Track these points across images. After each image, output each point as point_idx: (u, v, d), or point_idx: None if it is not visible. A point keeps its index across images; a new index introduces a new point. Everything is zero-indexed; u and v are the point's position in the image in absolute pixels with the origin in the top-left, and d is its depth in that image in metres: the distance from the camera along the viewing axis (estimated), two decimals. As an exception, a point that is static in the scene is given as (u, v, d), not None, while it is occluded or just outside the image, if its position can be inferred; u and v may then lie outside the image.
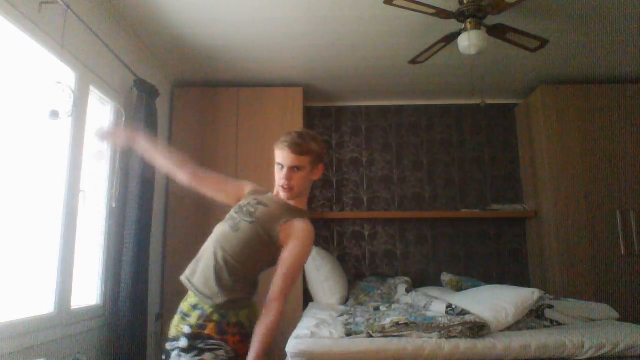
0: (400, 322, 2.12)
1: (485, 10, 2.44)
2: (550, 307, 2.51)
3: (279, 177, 1.62)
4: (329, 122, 4.23)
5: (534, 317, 2.42)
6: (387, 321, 2.15)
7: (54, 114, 1.95)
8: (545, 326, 2.36)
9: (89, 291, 2.53)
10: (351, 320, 2.46)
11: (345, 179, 4.12)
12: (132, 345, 2.57)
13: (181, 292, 3.54)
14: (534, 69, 3.59)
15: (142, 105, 2.83)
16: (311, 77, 3.72)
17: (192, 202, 3.55)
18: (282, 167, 1.60)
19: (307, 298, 3.47)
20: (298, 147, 1.57)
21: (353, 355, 2.02)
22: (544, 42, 2.67)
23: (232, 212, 1.68)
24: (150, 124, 2.87)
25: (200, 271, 1.57)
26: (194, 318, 1.50)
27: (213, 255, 1.55)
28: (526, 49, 2.74)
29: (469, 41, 2.46)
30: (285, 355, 2.06)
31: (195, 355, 1.43)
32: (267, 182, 3.95)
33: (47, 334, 2.00)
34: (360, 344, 2.06)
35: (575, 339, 2.07)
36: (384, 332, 2.11)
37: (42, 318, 2.01)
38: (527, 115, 3.96)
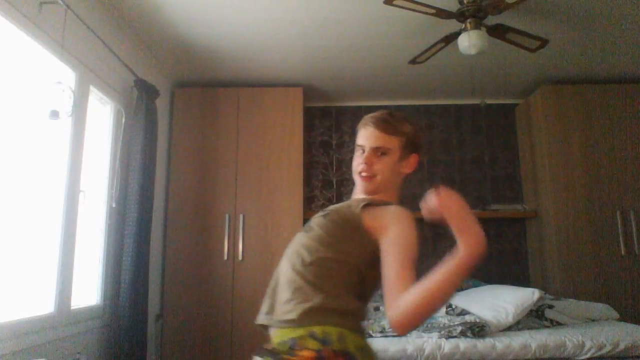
0: (400, 322, 2.12)
1: (485, 10, 2.44)
2: (551, 307, 2.51)
3: (358, 162, 1.30)
4: (329, 122, 4.23)
5: (534, 317, 2.42)
6: (386, 321, 2.15)
7: (54, 114, 1.95)
8: (545, 326, 2.37)
9: (89, 291, 2.53)
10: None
11: (345, 179, 4.12)
12: (132, 345, 2.57)
13: (181, 292, 3.54)
14: (534, 69, 3.59)
15: (142, 105, 2.83)
16: (311, 77, 3.72)
17: (192, 202, 3.56)
18: (364, 149, 1.30)
19: (307, 298, 3.46)
20: (386, 123, 1.29)
21: (353, 355, 2.01)
22: (544, 42, 2.67)
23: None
24: (150, 124, 2.87)
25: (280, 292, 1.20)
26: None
27: (288, 267, 1.20)
28: (526, 49, 2.74)
29: (469, 41, 2.46)
30: None
31: None
32: (266, 181, 3.92)
33: (47, 334, 2.00)
34: (360, 344, 2.06)
35: (575, 339, 2.07)
36: (383, 332, 2.11)
37: (42, 318, 2.01)
38: (527, 115, 3.96)
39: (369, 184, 1.28)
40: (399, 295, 1.00)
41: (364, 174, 1.28)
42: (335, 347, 1.04)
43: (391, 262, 1.08)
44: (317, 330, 1.06)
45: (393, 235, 1.12)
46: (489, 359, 2.02)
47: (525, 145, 3.99)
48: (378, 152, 1.28)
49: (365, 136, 1.30)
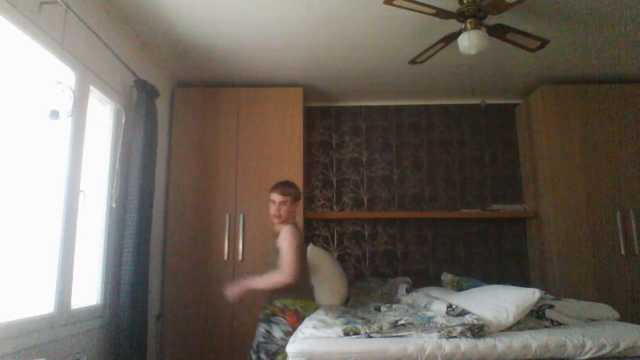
0: (397, 323, 2.12)
1: (485, 10, 2.44)
2: (551, 307, 2.50)
3: (272, 209, 2.68)
4: (329, 122, 4.23)
5: (535, 317, 2.41)
6: (385, 322, 2.15)
7: (54, 114, 1.95)
8: (545, 326, 2.36)
9: (89, 291, 2.53)
10: (351, 320, 2.45)
11: (345, 179, 4.12)
12: (132, 345, 2.57)
13: (181, 292, 3.56)
14: (534, 69, 3.59)
15: (142, 105, 2.83)
16: (311, 77, 3.72)
17: (192, 202, 3.56)
18: (275, 202, 2.67)
19: (307, 298, 3.46)
20: (282, 190, 2.67)
21: (353, 355, 2.01)
22: (544, 42, 2.67)
23: None
24: (150, 124, 2.87)
25: None
26: None
27: None
28: (526, 49, 2.74)
29: (469, 41, 2.46)
30: (285, 355, 2.06)
31: None
32: (266, 182, 3.93)
33: (47, 334, 2.00)
34: (360, 344, 2.06)
35: (576, 339, 2.07)
36: (381, 333, 2.11)
37: (42, 318, 2.01)
38: (527, 115, 3.96)
39: (278, 220, 2.67)
40: (285, 273, 2.49)
41: (275, 215, 2.66)
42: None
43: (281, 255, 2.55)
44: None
45: (279, 240, 2.60)
46: (490, 359, 2.02)
47: (525, 145, 3.99)
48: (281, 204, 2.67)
49: (275, 197, 2.68)
